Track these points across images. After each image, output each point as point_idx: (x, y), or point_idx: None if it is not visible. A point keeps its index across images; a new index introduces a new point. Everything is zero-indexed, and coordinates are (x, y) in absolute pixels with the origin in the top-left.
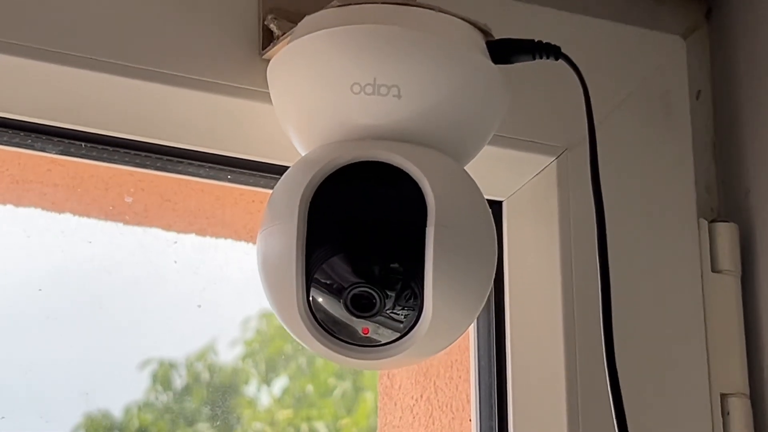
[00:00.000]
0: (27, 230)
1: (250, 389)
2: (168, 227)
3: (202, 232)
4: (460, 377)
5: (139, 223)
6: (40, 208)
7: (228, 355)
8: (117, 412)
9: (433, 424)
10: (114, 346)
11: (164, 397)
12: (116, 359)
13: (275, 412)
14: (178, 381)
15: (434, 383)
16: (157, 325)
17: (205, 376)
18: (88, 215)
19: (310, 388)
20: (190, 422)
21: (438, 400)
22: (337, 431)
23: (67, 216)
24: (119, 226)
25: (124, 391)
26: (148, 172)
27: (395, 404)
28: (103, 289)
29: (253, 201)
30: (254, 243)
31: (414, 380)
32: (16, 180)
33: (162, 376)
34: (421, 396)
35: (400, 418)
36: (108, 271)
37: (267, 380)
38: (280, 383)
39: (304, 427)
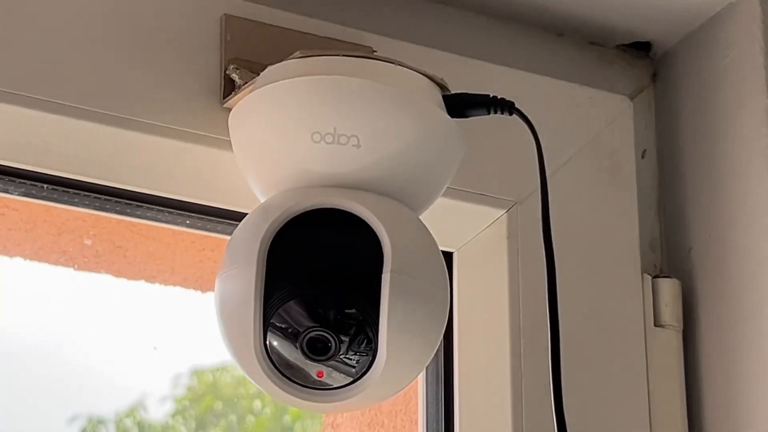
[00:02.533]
0: None
1: None
2: (118, 273)
3: (151, 279)
4: (404, 427)
5: (90, 269)
6: None
7: (158, 411)
8: None
9: None
10: (41, 398)
11: None
12: (44, 414)
13: None
14: None
15: None
16: (86, 378)
17: None
18: (39, 260)
19: None
20: None
21: None
22: None
23: (18, 260)
24: (70, 272)
25: None
26: (105, 215)
27: None
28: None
29: (203, 249)
30: (202, 290)
31: (358, 430)
32: None
33: None
34: None
35: None
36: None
37: None
38: None
39: None
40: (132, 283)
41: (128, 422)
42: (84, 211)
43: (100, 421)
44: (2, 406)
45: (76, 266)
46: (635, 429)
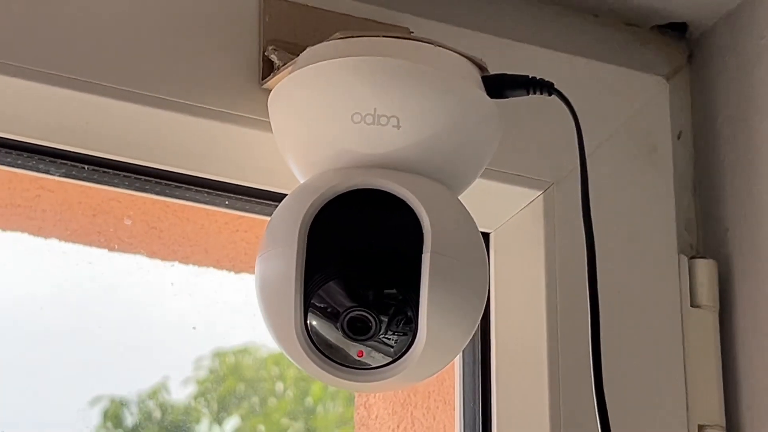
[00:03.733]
0: (13, 254)
1: (202, 428)
2: (152, 254)
3: (185, 260)
4: (437, 408)
5: (125, 250)
6: (27, 232)
7: (180, 393)
8: None
9: None
10: (65, 381)
11: None
12: (67, 395)
13: None
14: (129, 419)
15: (411, 414)
16: (111, 360)
17: (157, 414)
18: (74, 241)
19: (262, 428)
20: None
21: (415, 431)
22: None
23: (53, 241)
24: (105, 252)
25: (74, 428)
26: (145, 195)
27: None
28: (73, 319)
29: (237, 230)
30: (236, 271)
31: (391, 410)
32: (4, 204)
33: (113, 414)
34: (398, 426)
35: None
36: (93, 297)
37: (219, 419)
38: (231, 423)
39: None
40: (166, 264)
41: (151, 404)
42: (123, 192)
43: (123, 403)
44: (26, 388)
45: (111, 247)
46: (672, 409)
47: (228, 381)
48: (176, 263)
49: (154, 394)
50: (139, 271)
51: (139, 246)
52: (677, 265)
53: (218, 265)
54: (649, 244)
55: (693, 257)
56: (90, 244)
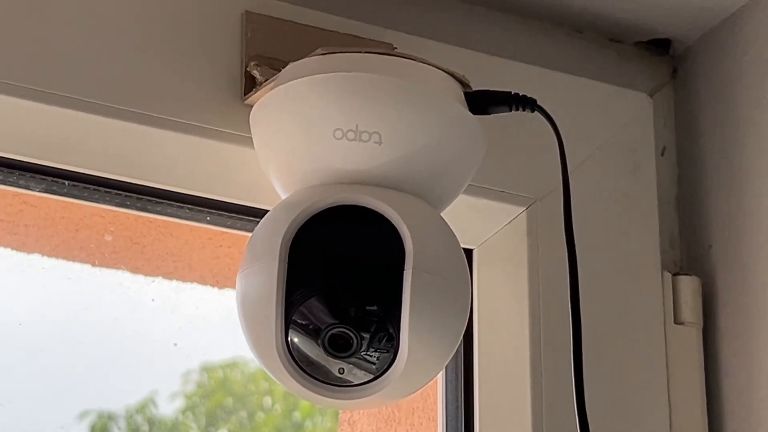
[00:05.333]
0: None
1: None
2: (136, 270)
3: (168, 276)
4: (421, 424)
5: (108, 265)
6: (9, 248)
7: (168, 407)
8: None
9: None
10: (51, 395)
11: None
12: (53, 409)
13: None
14: None
15: (395, 430)
16: (96, 375)
17: (145, 428)
18: (57, 256)
19: None
20: None
21: None
22: None
23: (36, 257)
24: (88, 268)
25: None
26: (126, 211)
27: None
28: (56, 334)
29: (221, 245)
30: (219, 287)
31: (375, 427)
32: None
33: (100, 428)
34: None
35: None
36: (75, 313)
37: None
38: None
39: None
40: (147, 279)
41: (139, 418)
42: (104, 208)
43: (111, 417)
44: (14, 401)
45: (94, 262)
46: (655, 426)
47: (216, 395)
48: (159, 279)
49: (141, 408)
50: (121, 287)
51: (121, 262)
52: (661, 282)
53: (202, 280)
54: (632, 261)
55: (677, 274)
56: (72, 259)
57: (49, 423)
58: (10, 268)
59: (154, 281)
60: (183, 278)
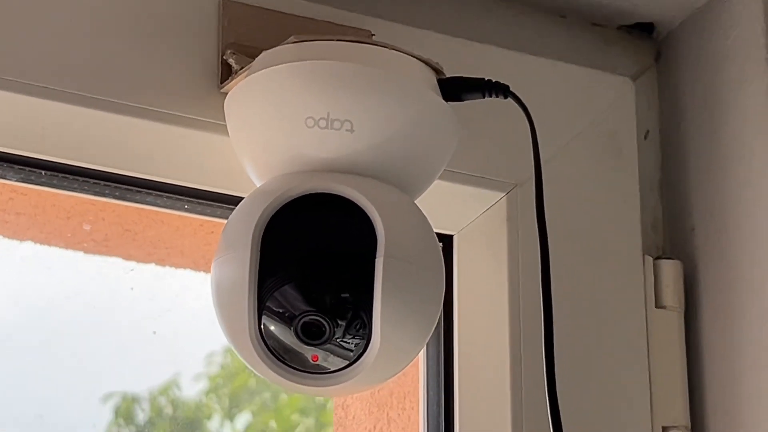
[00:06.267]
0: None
1: (213, 424)
2: (128, 257)
3: (161, 262)
4: (412, 408)
5: (99, 252)
6: (1, 236)
7: (192, 389)
8: None
9: None
10: (75, 377)
11: None
12: (78, 391)
13: None
14: (141, 415)
15: (387, 414)
16: (120, 357)
17: (168, 410)
18: (49, 244)
19: (273, 424)
20: None
21: (390, 431)
22: None
23: (28, 244)
24: (79, 255)
25: (86, 424)
26: (107, 200)
27: None
28: (65, 319)
29: (212, 232)
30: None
31: (368, 411)
32: None
33: (125, 410)
34: (375, 427)
35: None
36: (68, 299)
37: (230, 415)
38: (243, 419)
39: None
40: (144, 267)
41: (162, 400)
42: (83, 197)
43: (135, 399)
44: (38, 386)
45: (85, 250)
46: (636, 410)
47: (240, 377)
48: (152, 265)
49: (165, 390)
50: (129, 273)
51: (114, 249)
52: (642, 266)
53: (195, 266)
54: (614, 245)
55: (658, 258)
56: (65, 246)
57: (72, 406)
58: (7, 255)
59: (147, 267)
60: (177, 265)
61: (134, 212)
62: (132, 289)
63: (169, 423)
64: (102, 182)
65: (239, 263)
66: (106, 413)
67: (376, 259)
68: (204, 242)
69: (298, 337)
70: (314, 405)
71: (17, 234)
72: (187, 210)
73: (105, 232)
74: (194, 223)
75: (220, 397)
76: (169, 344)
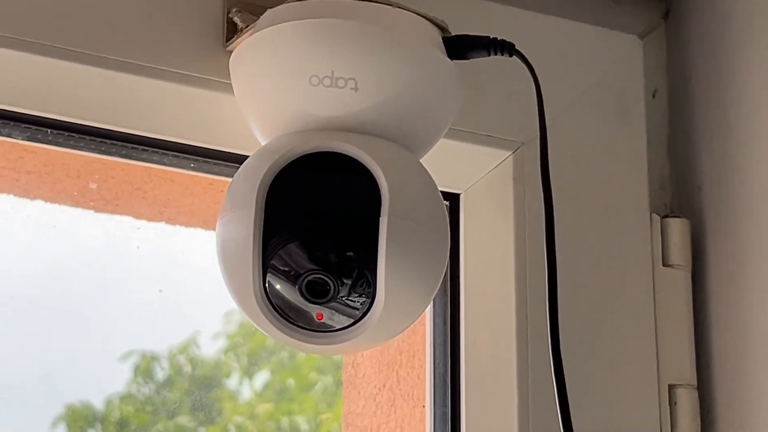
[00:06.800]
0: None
1: (232, 383)
2: (138, 215)
3: (171, 221)
4: (422, 367)
5: (109, 211)
6: (12, 194)
7: (210, 348)
8: (98, 404)
9: (395, 412)
10: (93, 335)
11: (146, 389)
12: (97, 349)
13: (256, 405)
14: (160, 373)
15: (397, 372)
16: (139, 316)
17: (187, 368)
18: (60, 202)
19: (291, 382)
20: (171, 414)
21: (400, 389)
22: (318, 426)
23: (39, 203)
24: (89, 214)
25: (93, 383)
26: (114, 159)
27: (359, 393)
28: (78, 279)
29: (222, 191)
30: None
31: (377, 369)
32: None
33: (144, 368)
34: (384, 385)
35: (363, 406)
36: (76, 258)
37: (249, 374)
38: (261, 377)
39: (284, 421)
40: (154, 225)
41: (181, 358)
42: (89, 155)
43: (154, 358)
44: (56, 344)
45: (95, 209)
46: (643, 369)
47: (258, 335)
48: (163, 224)
49: (184, 348)
50: (135, 232)
51: (123, 208)
52: (649, 225)
53: (205, 226)
54: (621, 204)
55: (666, 216)
56: (75, 205)
57: (91, 364)
58: (18, 214)
59: (158, 226)
60: (187, 224)
61: (144, 171)
62: (138, 247)
63: (188, 381)
64: (108, 141)
65: (244, 222)
66: (125, 371)
67: (381, 218)
68: (214, 201)
69: (302, 295)
70: (332, 363)
71: (28, 192)
72: (193, 168)
73: (115, 191)
74: (204, 182)
75: (239, 356)
76: (185, 304)
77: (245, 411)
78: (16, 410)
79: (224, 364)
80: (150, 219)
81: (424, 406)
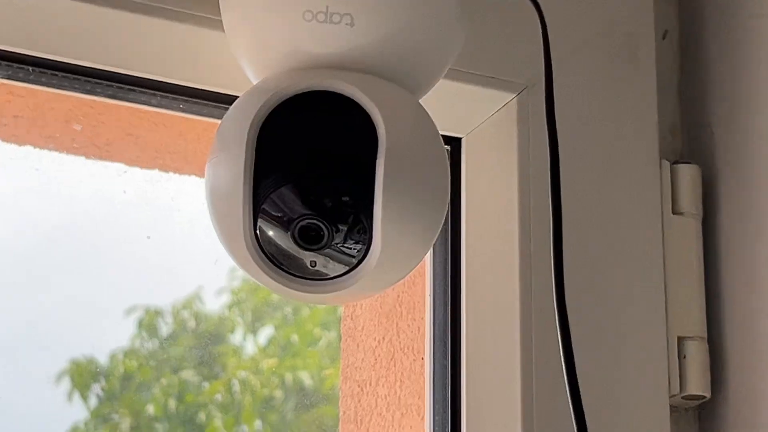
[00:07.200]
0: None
1: (236, 338)
2: (130, 162)
3: (165, 168)
4: (422, 318)
5: (101, 157)
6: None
7: (214, 303)
8: (102, 358)
9: (395, 365)
10: (97, 290)
11: (149, 344)
12: (100, 304)
13: (260, 360)
14: (164, 328)
15: (396, 325)
16: (143, 271)
17: (191, 323)
18: (49, 148)
19: (295, 337)
20: (175, 369)
21: (400, 342)
22: (321, 381)
23: (28, 148)
24: (80, 160)
25: (110, 337)
26: (98, 99)
27: (357, 345)
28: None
29: None
30: None
31: (377, 322)
32: None
33: (148, 323)
34: (384, 338)
35: (362, 359)
36: (67, 206)
37: (253, 329)
38: (265, 332)
39: (288, 376)
40: (148, 173)
41: (185, 313)
42: (75, 96)
43: (158, 312)
44: (59, 299)
45: (86, 155)
46: (651, 320)
47: (262, 291)
48: (156, 171)
49: (188, 303)
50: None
51: (116, 154)
52: (659, 171)
53: (200, 173)
54: (629, 149)
55: (676, 162)
56: (65, 151)
57: (95, 318)
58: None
59: (151, 173)
60: (181, 171)
61: (134, 116)
62: (125, 192)
63: (192, 336)
64: (93, 80)
65: (233, 164)
66: (129, 326)
67: (377, 161)
68: (208, 148)
69: (295, 241)
70: (336, 319)
71: (17, 138)
72: (182, 110)
73: (106, 137)
74: (198, 128)
75: (243, 311)
76: (179, 255)
77: (249, 366)
78: (20, 365)
79: (228, 320)
80: (143, 166)
81: (423, 359)
